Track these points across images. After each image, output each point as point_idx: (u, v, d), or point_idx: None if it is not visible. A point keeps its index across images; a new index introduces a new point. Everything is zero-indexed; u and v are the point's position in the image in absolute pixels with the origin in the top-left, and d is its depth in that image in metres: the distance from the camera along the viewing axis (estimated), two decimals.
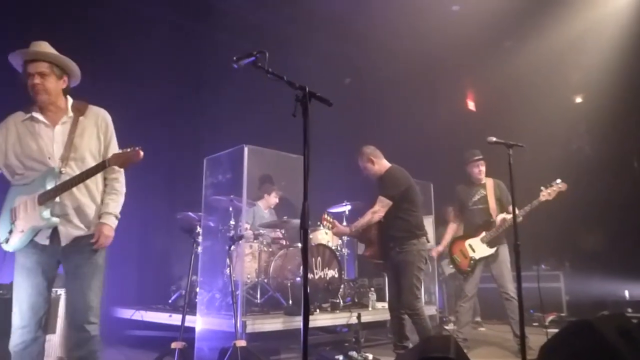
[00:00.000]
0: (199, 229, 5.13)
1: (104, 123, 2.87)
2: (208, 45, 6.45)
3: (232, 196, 5.25)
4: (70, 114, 2.78)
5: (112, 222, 2.79)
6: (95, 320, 2.70)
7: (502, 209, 4.96)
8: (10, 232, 2.63)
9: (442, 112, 8.08)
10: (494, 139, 3.63)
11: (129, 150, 2.64)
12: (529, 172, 4.82)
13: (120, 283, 5.76)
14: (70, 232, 2.68)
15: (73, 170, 2.69)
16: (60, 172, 2.65)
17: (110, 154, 2.70)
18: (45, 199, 2.61)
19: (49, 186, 2.62)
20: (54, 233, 2.65)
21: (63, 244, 2.66)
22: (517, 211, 3.71)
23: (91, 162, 2.73)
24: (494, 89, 8.04)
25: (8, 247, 2.66)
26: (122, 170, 2.87)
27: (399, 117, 8.11)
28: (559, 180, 4.69)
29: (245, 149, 4.64)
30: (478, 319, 6.70)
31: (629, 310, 6.02)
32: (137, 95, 5.58)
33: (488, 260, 4.90)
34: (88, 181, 2.72)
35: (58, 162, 2.67)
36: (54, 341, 3.68)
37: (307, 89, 2.07)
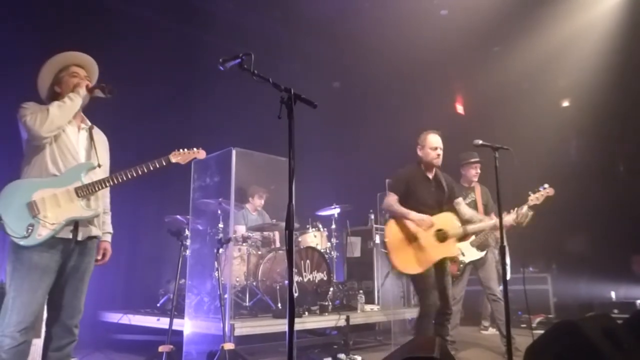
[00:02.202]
0: (187, 232, 5.12)
1: (107, 144, 3.06)
2: (196, 48, 6.44)
3: (220, 199, 5.24)
4: (89, 123, 2.94)
5: (110, 240, 3.00)
6: (79, 325, 2.73)
7: (486, 214, 5.03)
8: (32, 225, 2.52)
9: (431, 116, 8.12)
10: (480, 141, 3.65)
11: (188, 150, 3.07)
12: (515, 175, 4.85)
13: (107, 287, 5.72)
14: (88, 228, 2.75)
15: (101, 170, 2.83)
16: (99, 166, 2.80)
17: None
18: (87, 192, 2.69)
19: (86, 180, 2.71)
20: (75, 228, 2.68)
21: (79, 238, 2.69)
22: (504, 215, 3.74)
23: (104, 171, 2.87)
24: (482, 92, 8.10)
25: (30, 241, 2.50)
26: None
27: (388, 120, 8.14)
28: (546, 185, 4.69)
29: (233, 152, 4.64)
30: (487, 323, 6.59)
31: (615, 311, 6.08)
32: (123, 97, 5.54)
33: (476, 264, 4.93)
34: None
35: (92, 160, 2.80)
36: (39, 345, 3.62)
37: (292, 90, 2.08)
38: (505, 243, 4.86)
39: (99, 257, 2.91)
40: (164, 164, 2.95)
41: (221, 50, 2.40)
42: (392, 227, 3.93)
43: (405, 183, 3.99)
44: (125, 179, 2.80)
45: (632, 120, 7.07)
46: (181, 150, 3.06)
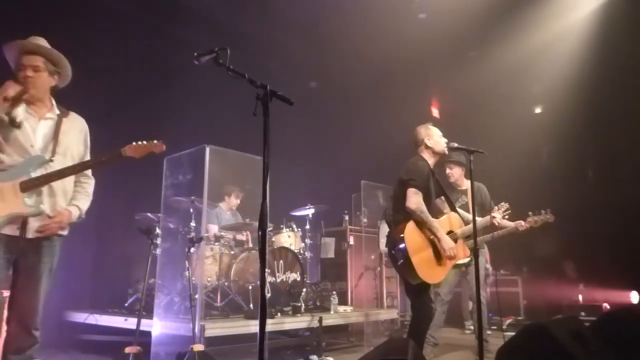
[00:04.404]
0: (157, 230, 5.01)
1: (85, 131, 2.92)
2: (171, 42, 6.31)
3: (193, 197, 5.15)
4: (57, 112, 2.80)
5: (75, 214, 2.78)
6: (39, 327, 2.64)
7: (483, 214, 4.58)
8: None
9: (407, 118, 8.16)
10: (456, 144, 3.67)
11: (146, 143, 2.85)
12: (490, 178, 4.91)
13: (74, 285, 5.55)
14: (39, 226, 2.61)
15: (56, 164, 2.67)
16: (51, 160, 2.64)
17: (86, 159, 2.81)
18: (30, 186, 2.55)
19: (35, 174, 2.57)
20: (22, 225, 2.56)
21: (29, 236, 2.57)
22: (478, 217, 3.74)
23: (70, 163, 2.73)
24: (458, 96, 8.19)
25: None
26: (92, 177, 2.94)
27: (365, 122, 8.16)
28: (543, 211, 4.31)
29: (207, 149, 4.57)
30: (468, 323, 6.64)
31: (582, 314, 6.22)
32: (94, 91, 5.40)
33: (461, 267, 4.88)
34: (67, 180, 2.71)
35: (47, 153, 2.65)
36: None
37: (268, 87, 2.04)
38: (482, 245, 4.91)
39: (52, 217, 2.65)
40: (116, 157, 2.78)
41: (196, 46, 2.34)
42: (413, 232, 3.49)
43: (427, 179, 3.62)
44: (70, 172, 2.67)
45: (601, 127, 7.24)
46: (138, 142, 2.84)
